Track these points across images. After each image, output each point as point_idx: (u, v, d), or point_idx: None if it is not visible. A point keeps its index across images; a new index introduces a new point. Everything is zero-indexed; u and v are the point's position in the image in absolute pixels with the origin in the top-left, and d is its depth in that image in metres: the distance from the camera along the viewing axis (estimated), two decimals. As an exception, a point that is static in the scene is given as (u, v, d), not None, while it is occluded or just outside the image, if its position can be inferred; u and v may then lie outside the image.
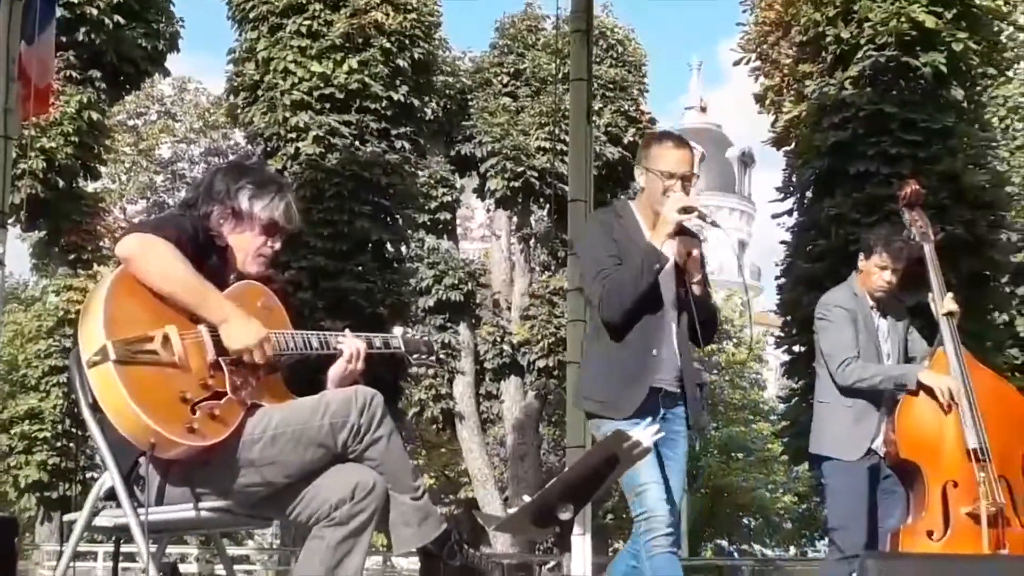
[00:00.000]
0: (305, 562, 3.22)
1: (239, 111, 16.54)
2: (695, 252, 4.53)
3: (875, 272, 5.76)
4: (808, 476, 21.91)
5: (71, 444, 15.84)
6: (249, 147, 16.83)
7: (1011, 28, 19.14)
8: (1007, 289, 15.30)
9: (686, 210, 4.40)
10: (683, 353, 4.60)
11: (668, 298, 4.55)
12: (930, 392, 5.44)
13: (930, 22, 12.19)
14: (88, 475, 15.28)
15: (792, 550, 33.37)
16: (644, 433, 3.18)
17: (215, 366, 3.23)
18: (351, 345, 3.61)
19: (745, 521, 33.55)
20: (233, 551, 15.98)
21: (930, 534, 5.23)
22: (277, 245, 3.62)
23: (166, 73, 18.40)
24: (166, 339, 3.14)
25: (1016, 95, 20.00)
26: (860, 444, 5.62)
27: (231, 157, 26.34)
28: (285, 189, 3.68)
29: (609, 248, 4.52)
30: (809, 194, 13.55)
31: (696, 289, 4.53)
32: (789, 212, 14.61)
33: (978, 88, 14.34)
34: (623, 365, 4.51)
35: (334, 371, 3.61)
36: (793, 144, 14.95)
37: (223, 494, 3.25)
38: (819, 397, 5.91)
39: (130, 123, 30.05)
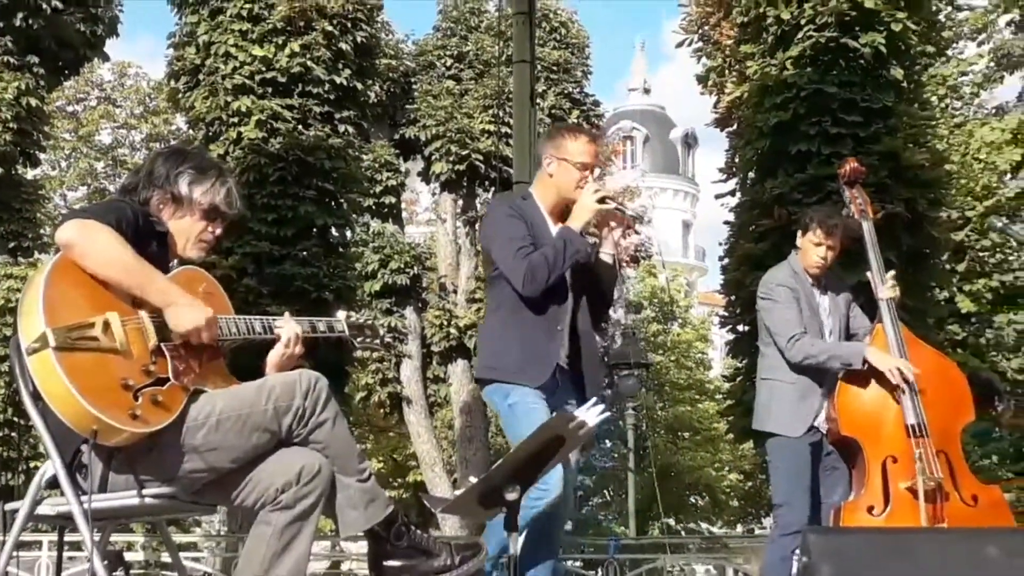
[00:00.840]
0: (252, 548, 3.22)
1: (180, 96, 16.33)
2: (615, 233, 4.83)
3: (811, 248, 5.84)
4: (753, 454, 22.13)
5: (14, 434, 15.66)
6: (190, 132, 16.63)
7: (949, 8, 19.39)
8: (947, 266, 15.49)
9: (604, 200, 4.70)
10: (583, 332, 4.82)
11: (571, 279, 4.76)
12: (874, 370, 5.51)
13: (869, 2, 12.24)
14: (32, 464, 15.09)
15: (739, 527, 33.65)
16: (589, 413, 3.20)
17: (157, 352, 3.22)
18: (289, 329, 3.60)
19: (692, 500, 33.76)
20: (180, 538, 15.87)
21: (871, 509, 5.31)
22: (219, 231, 3.61)
23: (105, 58, 18.14)
24: (107, 325, 3.12)
25: (955, 74, 20.26)
26: (803, 421, 5.69)
27: (172, 143, 26.06)
28: (226, 174, 3.66)
29: (521, 228, 4.71)
30: (752, 175, 13.62)
31: (607, 259, 4.83)
32: (732, 192, 14.67)
33: (917, 67, 14.46)
34: (532, 338, 4.67)
35: (273, 356, 3.59)
36: (735, 125, 15.02)
37: (167, 480, 3.24)
38: (762, 374, 5.98)
39: (69, 109, 29.62)
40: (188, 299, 3.29)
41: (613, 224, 4.83)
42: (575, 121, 20.34)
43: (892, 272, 5.80)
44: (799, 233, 5.94)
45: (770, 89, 12.77)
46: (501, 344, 4.79)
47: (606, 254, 4.84)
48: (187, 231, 3.54)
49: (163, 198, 3.50)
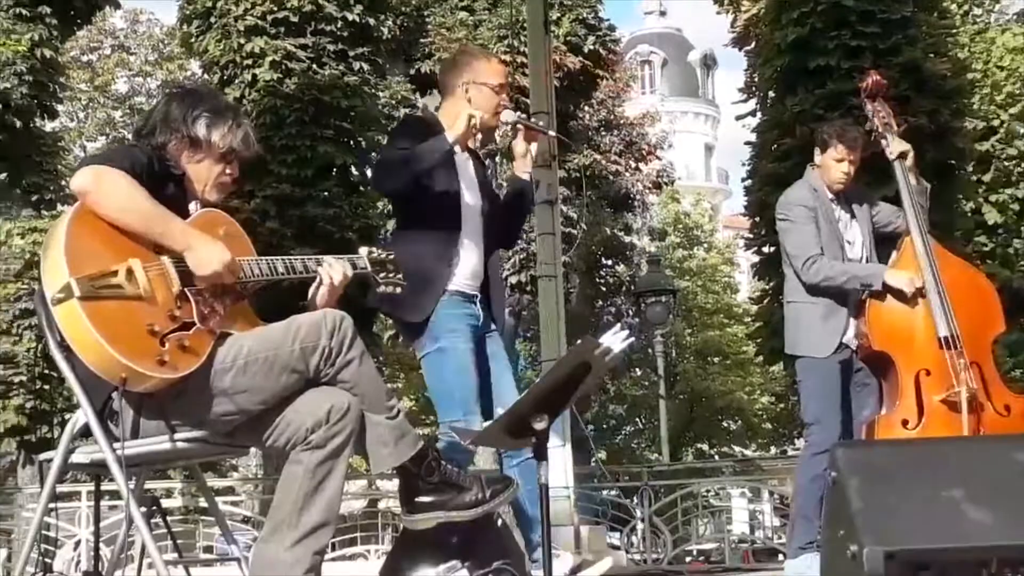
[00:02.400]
0: (285, 487, 3.23)
1: (193, 40, 16.28)
2: (534, 148, 4.82)
3: (832, 165, 5.77)
4: (783, 376, 22.13)
5: (47, 386, 15.79)
6: (205, 76, 16.58)
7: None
8: (973, 177, 15.35)
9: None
10: (489, 257, 4.81)
11: (468, 204, 4.73)
12: (896, 291, 5.48)
13: (885, -90, 12.10)
14: (67, 416, 15.20)
15: (772, 449, 33.77)
16: (614, 339, 3.18)
17: (181, 296, 3.21)
18: (334, 271, 3.59)
19: (724, 424, 33.89)
20: (217, 483, 16.07)
21: (905, 423, 5.29)
22: (236, 172, 3.60)
23: (117, 5, 18.09)
24: (130, 272, 3.12)
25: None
26: (831, 340, 5.66)
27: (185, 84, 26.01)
28: (241, 115, 3.64)
29: (404, 143, 4.65)
30: (772, 93, 13.50)
31: (526, 176, 4.85)
32: (753, 113, 14.58)
33: (935, -26, 14.28)
34: (420, 269, 4.54)
35: (320, 298, 3.59)
36: (754, 43, 14.89)
37: (198, 424, 3.25)
38: (787, 297, 5.95)
39: (84, 59, 29.57)
40: (207, 241, 3.29)
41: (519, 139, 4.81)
42: (591, 49, 20.15)
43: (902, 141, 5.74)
44: (817, 150, 5.87)
45: (787, 4, 12.62)
46: None
47: (524, 172, 4.84)
48: (205, 174, 3.53)
49: (181, 141, 3.48)
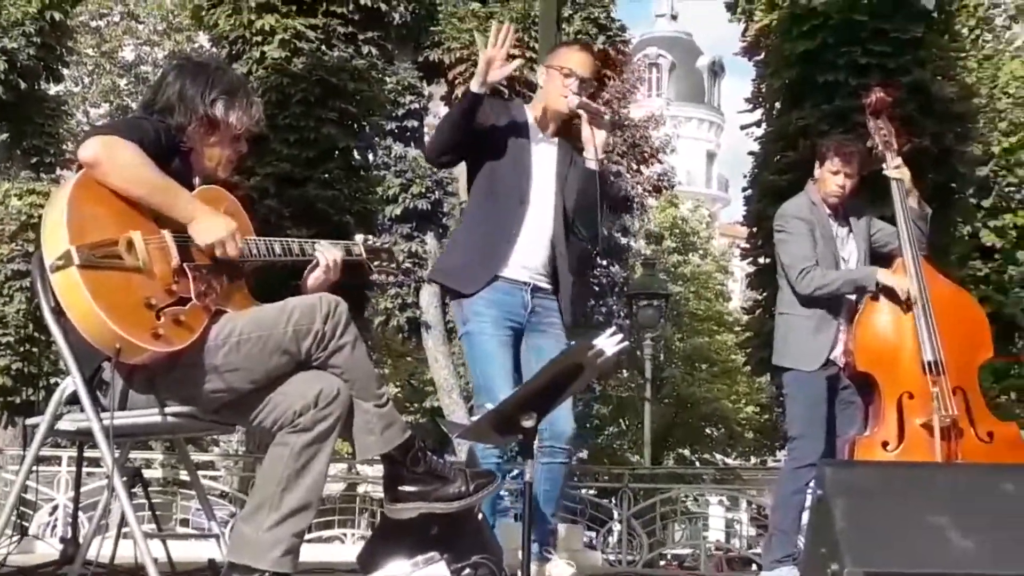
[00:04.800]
0: (269, 468, 3.24)
1: (203, 13, 16.23)
2: (599, 136, 4.68)
3: (828, 177, 5.80)
4: (770, 387, 22.17)
5: (34, 349, 15.79)
6: (214, 50, 16.53)
7: (984, -62, 19.06)
8: (972, 201, 15.37)
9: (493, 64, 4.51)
10: (556, 245, 4.71)
11: (539, 187, 4.68)
12: (889, 294, 5.49)
13: (902, -69, 12.12)
14: (52, 380, 15.24)
15: (753, 459, 33.84)
16: (608, 342, 3.19)
17: (179, 272, 3.22)
18: (329, 255, 3.61)
19: (708, 431, 33.94)
20: (198, 457, 16.04)
21: (885, 444, 5.31)
22: (245, 148, 3.62)
23: (130, -27, 18.08)
24: (130, 244, 3.12)
25: (987, 5, 19.94)
26: (819, 355, 5.68)
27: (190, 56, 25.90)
28: (251, 92, 3.67)
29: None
30: (778, 105, 13.51)
31: (592, 165, 4.68)
32: (758, 123, 14.58)
33: (948, -3, 14.30)
34: (478, 242, 4.63)
35: (311, 280, 3.61)
36: (763, 54, 14.87)
37: (187, 399, 3.26)
38: (779, 308, 5.97)
39: (92, 24, 29.45)
40: (212, 212, 3.31)
41: (587, 124, 4.72)
42: (601, 48, 20.15)
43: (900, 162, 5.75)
44: (816, 163, 5.90)
45: (799, 17, 12.62)
46: (451, 245, 4.83)
47: (590, 160, 4.72)
48: (219, 153, 3.55)
49: (198, 123, 3.48)
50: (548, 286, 4.72)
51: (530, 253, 4.65)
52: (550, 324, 4.70)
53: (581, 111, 4.68)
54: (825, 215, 5.82)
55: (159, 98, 3.50)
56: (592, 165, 4.70)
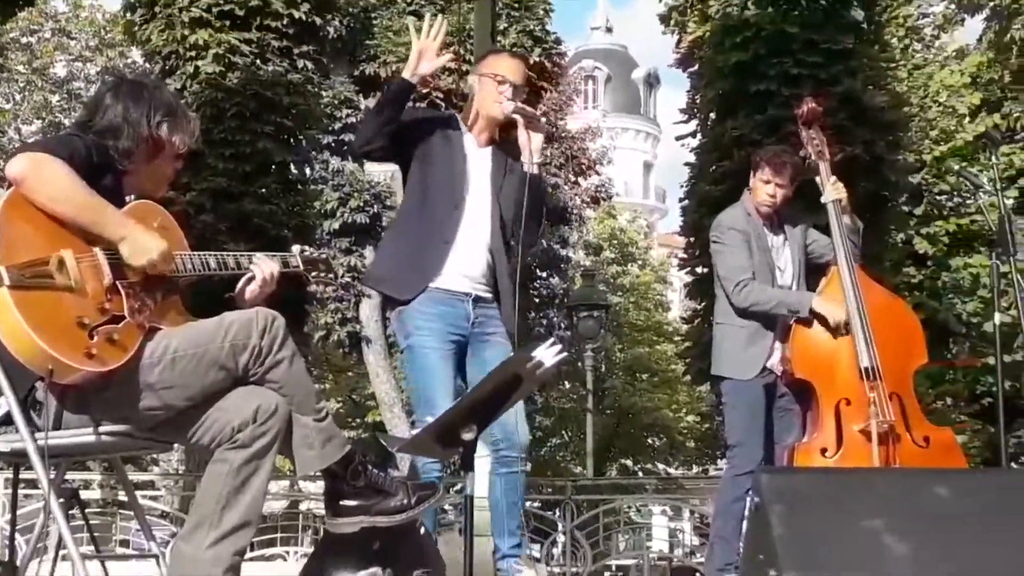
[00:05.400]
0: (208, 485, 3.22)
1: (136, 28, 16.06)
2: (535, 140, 4.66)
3: (759, 187, 5.87)
4: (710, 396, 22.29)
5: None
6: (147, 66, 16.37)
7: (911, -51, 19.36)
8: (905, 208, 15.58)
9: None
10: (495, 251, 4.70)
11: (474, 193, 4.68)
12: (823, 319, 5.56)
13: (832, -58, 12.27)
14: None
15: (695, 468, 33.97)
16: (547, 353, 3.20)
17: (112, 290, 3.19)
18: (266, 267, 3.59)
19: (649, 441, 34.03)
20: (137, 477, 15.84)
21: (823, 451, 5.37)
22: (181, 165, 3.61)
23: (60, -11, 17.86)
24: (61, 263, 3.09)
25: (916, 15, 20.26)
26: (755, 363, 5.73)
27: (126, 73, 25.69)
28: (188, 109, 3.65)
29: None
30: (712, 115, 13.61)
31: (530, 168, 4.65)
32: (693, 134, 14.66)
33: (878, 8, 14.47)
34: (409, 248, 4.61)
35: (247, 293, 3.59)
36: (697, 65, 14.98)
37: (122, 418, 3.22)
38: (716, 318, 6.03)
39: (23, 40, 29.08)
40: (143, 231, 3.28)
41: (524, 128, 4.70)
42: (536, 60, 20.23)
43: (837, 180, 5.82)
44: (751, 173, 5.96)
45: (731, 29, 12.72)
46: (381, 251, 4.82)
47: (527, 164, 4.69)
48: (159, 172, 3.54)
49: (142, 143, 3.45)
50: (489, 295, 4.70)
51: (468, 261, 4.63)
52: (493, 334, 4.68)
53: (517, 116, 4.68)
54: (760, 225, 5.88)
55: (99, 120, 3.46)
56: (530, 168, 4.67)
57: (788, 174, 5.83)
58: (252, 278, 3.59)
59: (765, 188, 5.84)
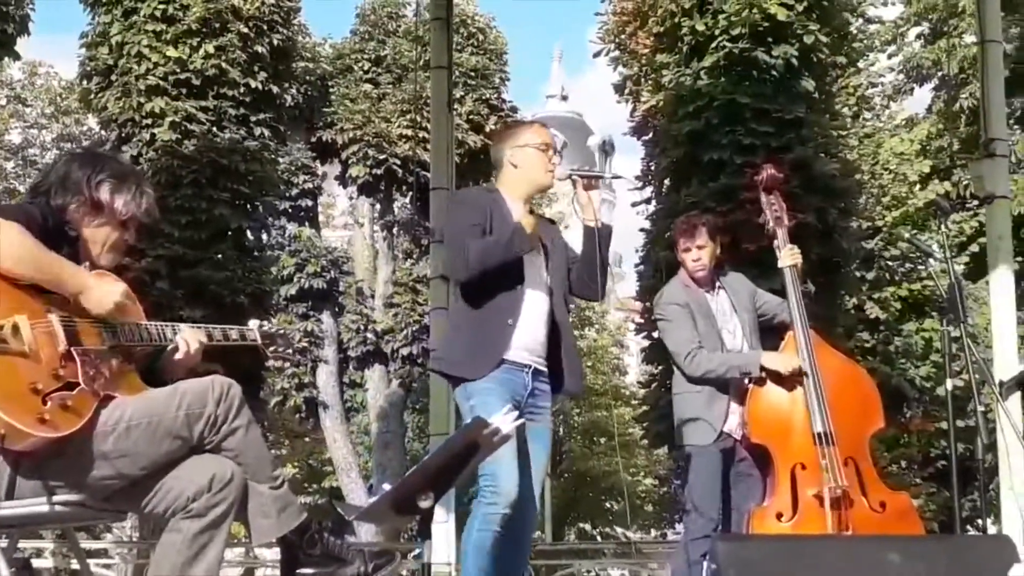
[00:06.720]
0: (161, 555, 3.18)
1: (92, 96, 16.07)
2: (595, 198, 4.87)
3: (683, 258, 5.98)
4: (667, 459, 22.28)
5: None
6: (103, 133, 16.36)
7: (860, 20, 19.73)
8: (857, 274, 15.76)
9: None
10: (561, 323, 4.78)
11: (530, 266, 4.72)
12: (777, 375, 5.60)
13: (782, 14, 12.44)
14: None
15: (652, 532, 33.87)
16: (504, 419, 3.21)
17: (67, 356, 3.17)
18: (185, 340, 3.56)
19: (608, 504, 33.93)
20: (90, 545, 15.60)
21: (779, 516, 5.38)
22: (133, 238, 3.59)
23: (16, 57, 17.80)
24: (15, 328, 3.07)
25: (865, 85, 20.62)
26: (712, 427, 5.76)
27: (84, 143, 25.64)
28: (143, 181, 3.63)
29: (474, 218, 4.69)
30: (667, 183, 13.74)
31: (595, 223, 4.81)
32: (648, 200, 14.80)
33: (829, 78, 14.70)
34: (479, 331, 4.64)
35: (171, 363, 3.56)
36: (651, 133, 15.15)
37: (76, 487, 3.19)
38: (674, 390, 6.08)
39: (-22, 108, 29.04)
40: (101, 281, 3.31)
41: (579, 190, 4.86)
42: (493, 128, 20.42)
43: (793, 246, 5.89)
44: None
45: (684, 98, 12.90)
46: (451, 335, 4.84)
47: (586, 220, 4.82)
48: (103, 238, 3.50)
49: (81, 204, 3.45)
50: (545, 368, 4.74)
51: (529, 334, 4.68)
52: (543, 409, 4.76)
53: (575, 178, 4.85)
54: (700, 293, 5.96)
55: (44, 181, 3.47)
56: (592, 224, 4.81)
57: (703, 233, 5.93)
58: (176, 349, 3.56)
59: (688, 256, 5.96)
